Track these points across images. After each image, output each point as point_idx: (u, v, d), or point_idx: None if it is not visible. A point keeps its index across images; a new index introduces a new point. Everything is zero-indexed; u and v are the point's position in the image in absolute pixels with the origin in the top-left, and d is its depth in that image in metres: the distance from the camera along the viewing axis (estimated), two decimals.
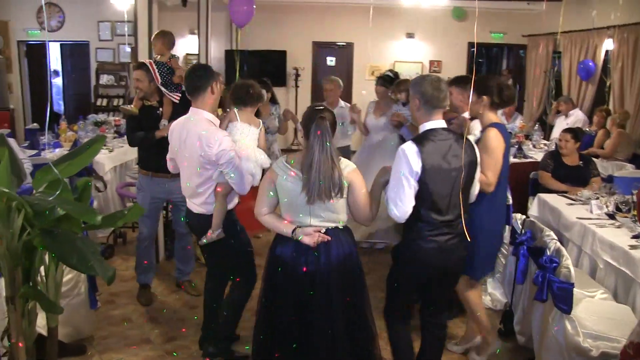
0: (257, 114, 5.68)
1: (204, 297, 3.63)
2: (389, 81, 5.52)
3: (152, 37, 4.46)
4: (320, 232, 2.78)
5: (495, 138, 3.19)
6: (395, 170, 2.76)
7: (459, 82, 3.69)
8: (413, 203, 2.74)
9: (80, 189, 2.69)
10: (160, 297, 4.55)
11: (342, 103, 5.92)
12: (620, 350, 2.29)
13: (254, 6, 6.42)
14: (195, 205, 3.34)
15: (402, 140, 5.19)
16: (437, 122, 2.84)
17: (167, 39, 4.37)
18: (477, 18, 10.88)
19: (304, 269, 2.78)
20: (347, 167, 2.81)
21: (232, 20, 6.50)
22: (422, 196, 2.75)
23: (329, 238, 2.78)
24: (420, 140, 2.78)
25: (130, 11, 5.12)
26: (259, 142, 3.48)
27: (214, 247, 3.33)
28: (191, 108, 3.27)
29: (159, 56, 4.32)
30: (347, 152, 5.96)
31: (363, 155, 5.57)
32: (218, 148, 3.07)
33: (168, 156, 3.47)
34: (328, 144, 2.70)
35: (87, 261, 2.14)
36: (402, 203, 2.72)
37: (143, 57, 4.92)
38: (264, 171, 3.32)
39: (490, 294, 4.45)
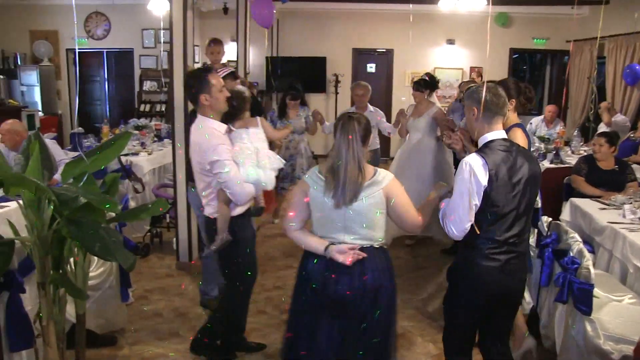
0: (283, 114, 6.07)
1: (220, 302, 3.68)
2: (423, 85, 5.77)
3: (211, 45, 4.36)
4: (355, 249, 2.57)
5: (522, 137, 3.20)
6: (459, 184, 2.57)
7: None
8: (471, 221, 2.57)
9: (108, 184, 2.83)
10: (192, 294, 4.66)
11: (371, 108, 6.08)
12: (634, 348, 2.26)
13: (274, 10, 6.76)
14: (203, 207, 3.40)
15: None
16: (499, 133, 2.67)
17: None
18: (520, 24, 10.86)
19: (336, 290, 2.58)
20: (386, 177, 2.60)
21: (257, 22, 6.76)
22: (486, 210, 2.57)
23: (365, 255, 2.56)
24: (485, 151, 2.60)
25: (167, 18, 5.26)
26: (268, 135, 3.59)
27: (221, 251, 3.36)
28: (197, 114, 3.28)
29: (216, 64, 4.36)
30: (375, 156, 6.11)
31: (404, 156, 5.95)
32: (212, 158, 3.08)
33: None
34: (356, 146, 2.52)
35: (108, 249, 2.26)
36: (460, 220, 2.56)
37: (178, 63, 5.05)
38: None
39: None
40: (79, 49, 11.01)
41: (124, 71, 11.40)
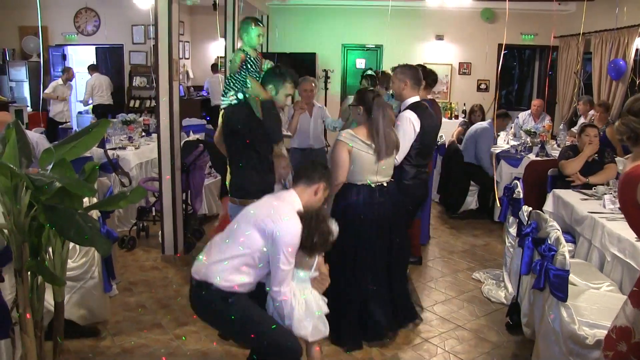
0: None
1: None
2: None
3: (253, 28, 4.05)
4: None
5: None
6: (406, 132, 3.97)
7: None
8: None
9: (87, 173, 2.83)
10: (175, 286, 4.67)
11: (317, 104, 6.00)
12: (605, 336, 2.27)
13: None
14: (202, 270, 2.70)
15: None
16: (417, 97, 4.19)
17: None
18: (507, 19, 10.89)
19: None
20: None
21: None
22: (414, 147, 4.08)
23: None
24: (414, 109, 4.08)
25: (156, 13, 5.23)
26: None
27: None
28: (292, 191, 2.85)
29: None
30: (323, 151, 6.16)
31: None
32: (285, 248, 2.55)
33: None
34: (386, 115, 3.57)
35: (84, 234, 2.26)
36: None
37: (163, 57, 5.02)
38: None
39: (505, 287, 4.46)
40: (68, 44, 10.98)
41: (114, 67, 11.38)
